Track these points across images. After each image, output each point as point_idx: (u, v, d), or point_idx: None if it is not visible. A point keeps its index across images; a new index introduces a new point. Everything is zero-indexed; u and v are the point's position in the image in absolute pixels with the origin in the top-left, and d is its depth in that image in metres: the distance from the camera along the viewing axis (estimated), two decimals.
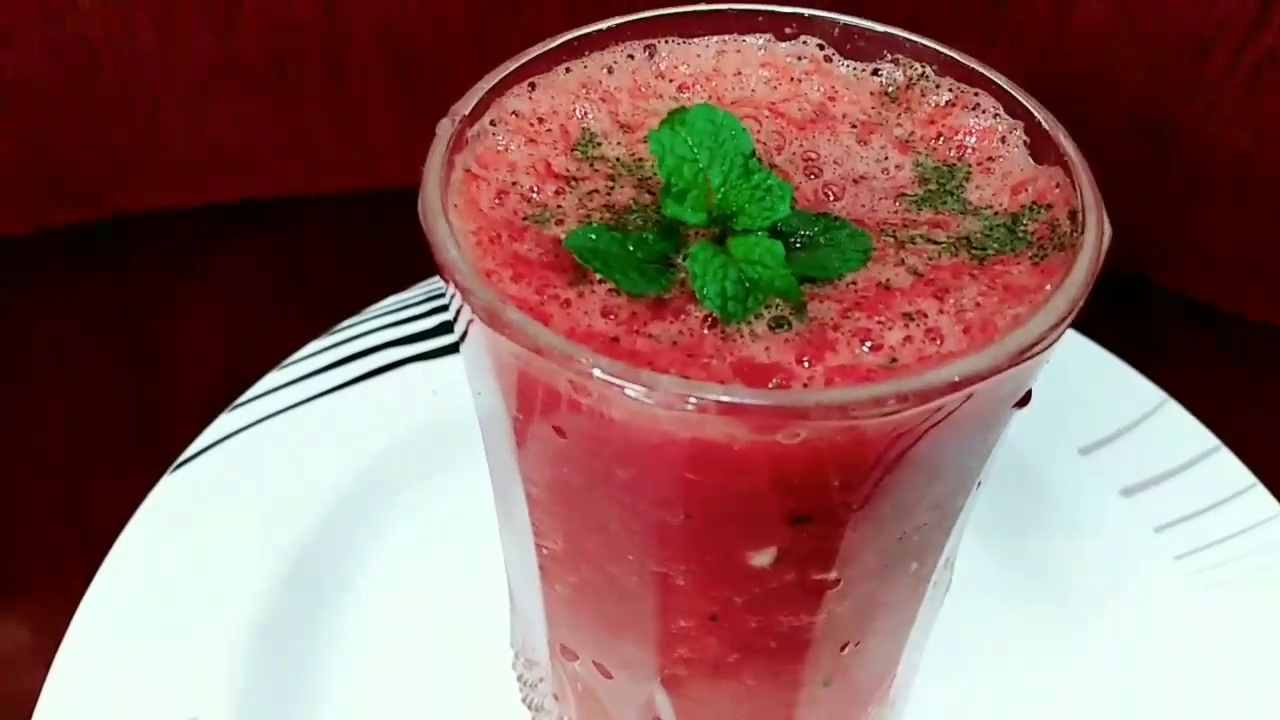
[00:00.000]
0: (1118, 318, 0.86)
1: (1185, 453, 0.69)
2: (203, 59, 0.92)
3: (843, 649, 0.48)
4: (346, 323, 0.77)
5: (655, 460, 0.38)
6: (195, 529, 0.65)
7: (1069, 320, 0.38)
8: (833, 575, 0.43)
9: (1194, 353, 0.88)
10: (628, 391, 0.35)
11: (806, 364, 0.38)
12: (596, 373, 0.35)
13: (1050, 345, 0.38)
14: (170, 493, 0.66)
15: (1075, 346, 0.75)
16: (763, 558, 0.41)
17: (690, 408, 0.35)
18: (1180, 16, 0.81)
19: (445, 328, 0.76)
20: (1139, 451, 0.70)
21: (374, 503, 0.68)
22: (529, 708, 0.60)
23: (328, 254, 0.96)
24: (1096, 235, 0.41)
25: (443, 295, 0.77)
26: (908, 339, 0.39)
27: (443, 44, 0.94)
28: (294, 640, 0.62)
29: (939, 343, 0.39)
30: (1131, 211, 0.88)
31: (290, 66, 0.94)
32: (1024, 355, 0.37)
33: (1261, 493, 0.67)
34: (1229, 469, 0.68)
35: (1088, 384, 0.73)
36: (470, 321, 0.40)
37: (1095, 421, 0.72)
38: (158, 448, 0.70)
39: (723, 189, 0.41)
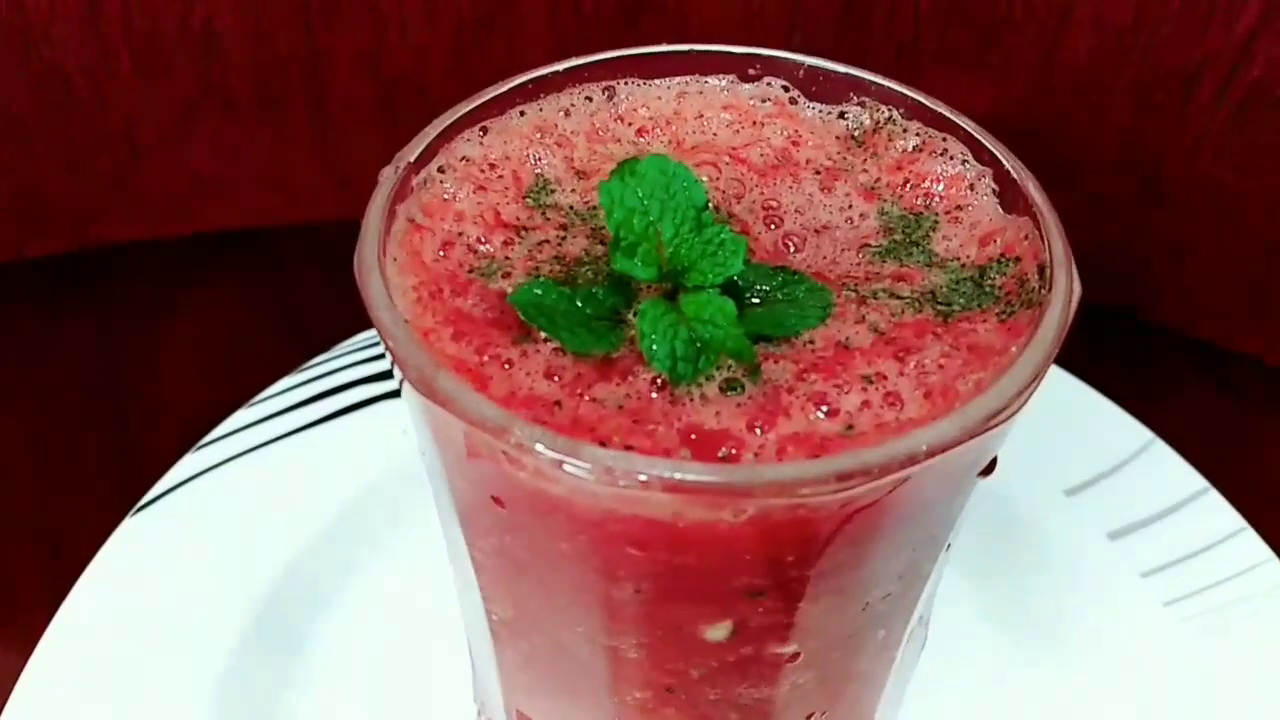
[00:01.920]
0: (1104, 353, 0.84)
1: (1173, 495, 0.67)
2: (182, 89, 0.90)
3: (808, 719, 0.46)
4: (317, 359, 0.75)
5: (598, 535, 0.36)
6: (156, 575, 0.63)
7: (1035, 385, 0.37)
8: (791, 649, 0.41)
9: (1183, 388, 0.86)
10: (564, 467, 0.33)
11: (758, 431, 0.36)
12: (535, 446, 0.34)
13: (1015, 412, 0.36)
14: (131, 537, 0.64)
15: (1061, 384, 0.72)
16: (717, 631, 0.39)
17: (627, 485, 0.33)
18: (1167, 50, 0.79)
19: None
20: (1126, 493, 0.68)
21: (340, 547, 0.66)
22: None
23: (310, 286, 0.95)
24: (1065, 292, 0.39)
25: None
26: (865, 404, 0.37)
27: (425, 73, 0.92)
28: (257, 690, 0.60)
29: (898, 408, 0.37)
30: (1119, 245, 0.86)
31: (272, 96, 0.92)
32: (987, 424, 0.35)
33: (1251, 537, 0.65)
34: (1218, 512, 0.66)
35: (1074, 423, 0.71)
36: (406, 383, 0.38)
37: (1082, 462, 0.69)
38: (131, 485, 0.68)
39: (674, 243, 0.40)
